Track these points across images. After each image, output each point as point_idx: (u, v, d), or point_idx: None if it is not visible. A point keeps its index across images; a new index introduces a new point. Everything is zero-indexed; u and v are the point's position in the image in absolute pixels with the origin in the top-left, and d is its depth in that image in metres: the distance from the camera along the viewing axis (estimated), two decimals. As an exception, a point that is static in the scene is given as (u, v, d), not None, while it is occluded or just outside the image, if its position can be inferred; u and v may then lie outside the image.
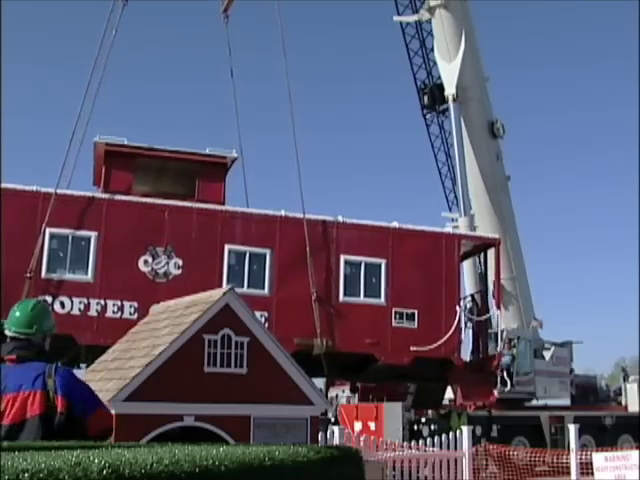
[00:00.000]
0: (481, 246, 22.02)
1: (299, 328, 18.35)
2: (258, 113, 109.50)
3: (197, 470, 2.08)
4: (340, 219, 19.53)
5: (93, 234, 17.49)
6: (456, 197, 27.47)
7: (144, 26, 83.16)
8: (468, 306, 21.74)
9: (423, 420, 17.71)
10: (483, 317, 21.14)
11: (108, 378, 7.57)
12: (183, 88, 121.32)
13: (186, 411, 7.61)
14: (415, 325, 19.37)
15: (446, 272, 19.95)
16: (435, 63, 26.78)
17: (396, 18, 27.04)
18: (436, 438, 14.36)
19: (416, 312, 19.41)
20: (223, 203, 18.99)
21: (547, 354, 23.45)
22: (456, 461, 14.26)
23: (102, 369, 7.97)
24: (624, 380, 25.39)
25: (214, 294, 8.00)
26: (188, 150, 19.28)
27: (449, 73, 25.00)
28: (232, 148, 19.57)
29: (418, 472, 13.94)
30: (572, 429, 15.87)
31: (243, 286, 18.34)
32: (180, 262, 17.97)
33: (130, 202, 17.97)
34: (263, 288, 18.53)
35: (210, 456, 2.20)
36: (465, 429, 14.41)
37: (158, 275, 17.75)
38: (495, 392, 20.55)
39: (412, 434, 17.06)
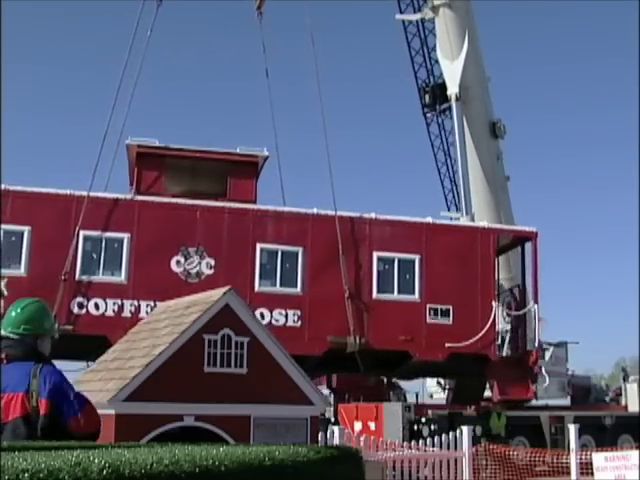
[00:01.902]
0: (517, 240, 21.67)
1: (332, 326, 18.32)
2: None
3: (197, 470, 2.09)
4: (372, 215, 19.42)
5: (126, 235, 17.71)
6: (454, 197, 27.27)
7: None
8: (506, 300, 21.41)
9: (423, 420, 17.49)
10: (521, 312, 20.79)
11: (108, 378, 7.64)
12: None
13: (186, 411, 7.61)
14: (450, 321, 19.16)
15: (481, 267, 19.67)
16: (436, 62, 26.46)
17: (398, 16, 26.80)
18: (436, 438, 14.21)
19: (451, 308, 19.20)
20: (255, 202, 19.06)
21: (547, 354, 23.08)
22: (456, 461, 14.09)
23: (102, 369, 8.05)
24: (624, 380, 24.78)
25: (214, 294, 7.99)
26: (219, 150, 19.43)
27: (452, 72, 24.66)
28: (262, 146, 19.65)
29: (418, 472, 13.81)
30: (572, 429, 15.62)
31: (275, 285, 18.43)
32: (212, 262, 18.06)
33: (162, 203, 18.14)
34: (296, 286, 18.52)
35: (210, 456, 2.20)
36: (465, 429, 14.22)
37: (190, 275, 17.87)
38: (533, 388, 20.18)
39: (412, 434, 16.85)
